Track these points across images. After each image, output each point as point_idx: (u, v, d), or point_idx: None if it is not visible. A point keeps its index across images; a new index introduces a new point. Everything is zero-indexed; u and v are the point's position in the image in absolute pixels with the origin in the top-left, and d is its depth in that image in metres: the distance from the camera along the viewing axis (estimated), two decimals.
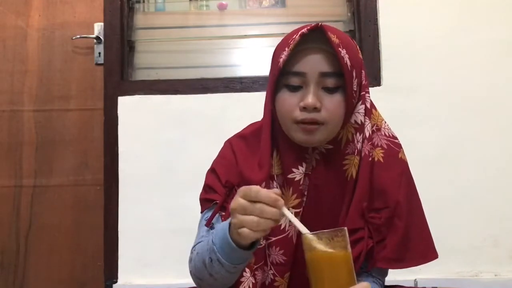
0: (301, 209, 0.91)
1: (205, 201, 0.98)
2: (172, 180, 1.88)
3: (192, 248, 0.94)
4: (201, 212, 1.00)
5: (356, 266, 0.81)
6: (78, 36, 2.01)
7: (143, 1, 2.15)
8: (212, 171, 1.00)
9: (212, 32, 2.08)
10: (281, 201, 0.72)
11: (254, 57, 2.07)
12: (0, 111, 2.04)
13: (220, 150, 1.03)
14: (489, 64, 1.89)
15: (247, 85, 1.93)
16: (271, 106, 0.91)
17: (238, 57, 2.09)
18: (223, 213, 0.94)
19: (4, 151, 2.02)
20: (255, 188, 0.73)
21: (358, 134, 0.91)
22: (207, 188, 0.99)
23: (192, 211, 1.89)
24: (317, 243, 0.71)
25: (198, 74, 2.00)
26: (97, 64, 2.03)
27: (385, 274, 0.97)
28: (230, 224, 0.78)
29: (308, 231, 0.72)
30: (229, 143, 1.02)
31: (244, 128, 1.03)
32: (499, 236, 1.82)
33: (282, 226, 0.90)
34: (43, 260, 1.98)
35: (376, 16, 1.93)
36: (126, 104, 1.94)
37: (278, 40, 0.92)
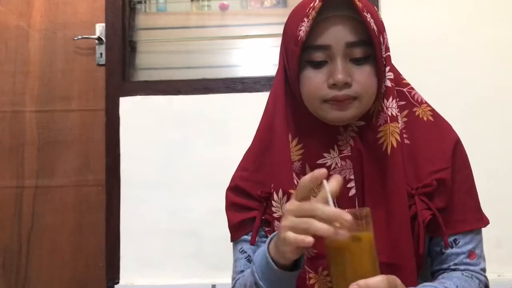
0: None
1: (240, 226, 0.86)
2: (174, 180, 1.88)
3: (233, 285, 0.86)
4: (232, 241, 0.89)
5: (420, 247, 0.76)
6: (80, 37, 2.01)
7: (145, 2, 2.15)
8: (235, 188, 0.89)
9: (214, 33, 2.08)
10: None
11: (256, 58, 2.06)
12: (2, 112, 2.04)
13: (233, 175, 0.92)
14: (490, 64, 1.88)
15: (249, 85, 1.92)
16: (286, 87, 0.83)
17: (239, 58, 2.09)
18: (267, 229, 0.84)
19: (6, 151, 2.02)
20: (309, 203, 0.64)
21: (386, 100, 0.83)
22: (236, 207, 0.87)
23: (193, 212, 1.89)
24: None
25: (199, 75, 2.00)
26: (99, 65, 2.03)
27: (480, 258, 0.86)
28: (270, 240, 0.71)
29: None
30: (233, 180, 0.91)
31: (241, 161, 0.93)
32: (502, 236, 1.81)
33: None
34: (45, 260, 1.98)
35: None
36: (128, 105, 1.94)
37: (279, 40, 0.87)
